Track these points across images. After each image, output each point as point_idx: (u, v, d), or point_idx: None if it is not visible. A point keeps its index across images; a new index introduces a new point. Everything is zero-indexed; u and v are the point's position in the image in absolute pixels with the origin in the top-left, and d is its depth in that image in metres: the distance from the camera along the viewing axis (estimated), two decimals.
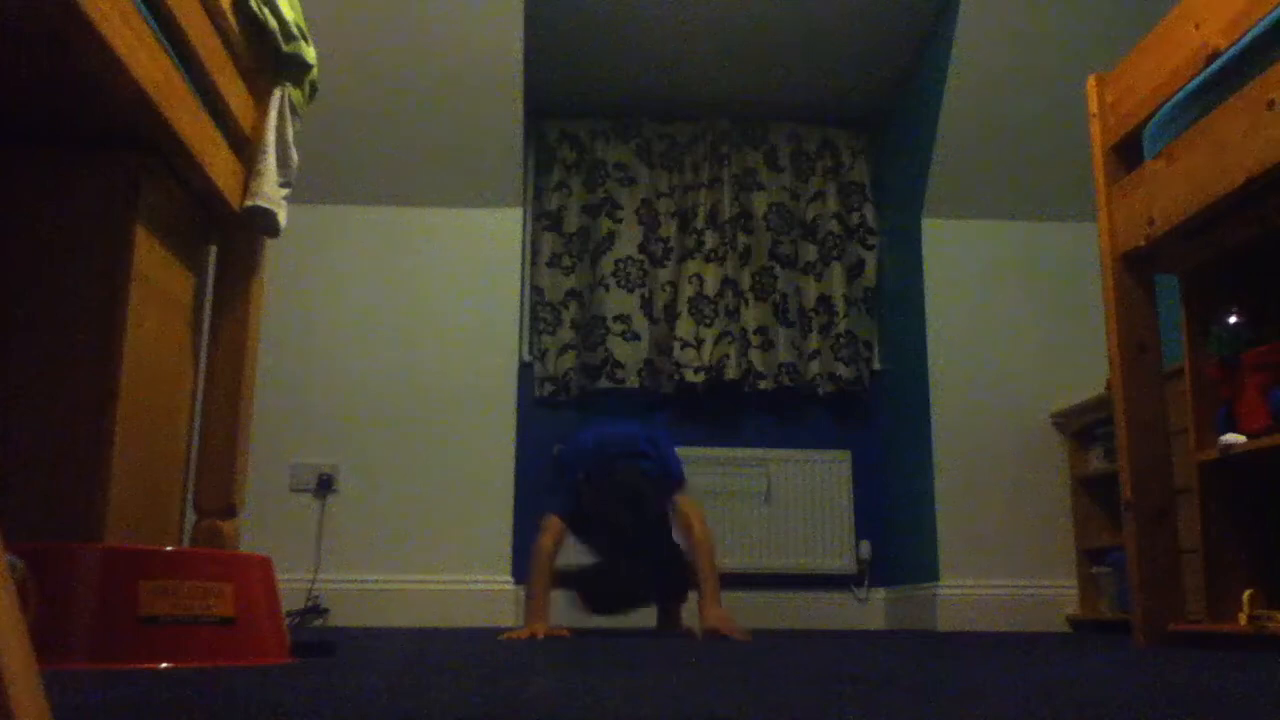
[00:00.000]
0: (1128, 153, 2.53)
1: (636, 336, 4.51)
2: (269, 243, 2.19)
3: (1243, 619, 2.18)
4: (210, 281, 2.13)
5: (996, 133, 4.00)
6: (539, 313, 4.56)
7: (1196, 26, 2.23)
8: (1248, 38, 2.02)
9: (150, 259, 1.81)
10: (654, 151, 4.74)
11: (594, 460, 2.98)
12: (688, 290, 4.56)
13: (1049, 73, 3.82)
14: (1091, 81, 2.65)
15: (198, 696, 0.92)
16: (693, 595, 3.05)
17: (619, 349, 4.47)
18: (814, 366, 4.55)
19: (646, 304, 4.56)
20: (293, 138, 2.14)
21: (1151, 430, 2.43)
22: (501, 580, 3.93)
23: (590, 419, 3.62)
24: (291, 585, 3.74)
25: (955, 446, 4.00)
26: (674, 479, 3.00)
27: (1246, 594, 2.19)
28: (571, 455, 3.08)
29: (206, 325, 2.10)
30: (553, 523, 2.83)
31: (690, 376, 4.44)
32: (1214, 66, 2.13)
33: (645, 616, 3.37)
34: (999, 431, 4.02)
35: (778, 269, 4.65)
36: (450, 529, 3.96)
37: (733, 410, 4.56)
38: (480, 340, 4.15)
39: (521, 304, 4.40)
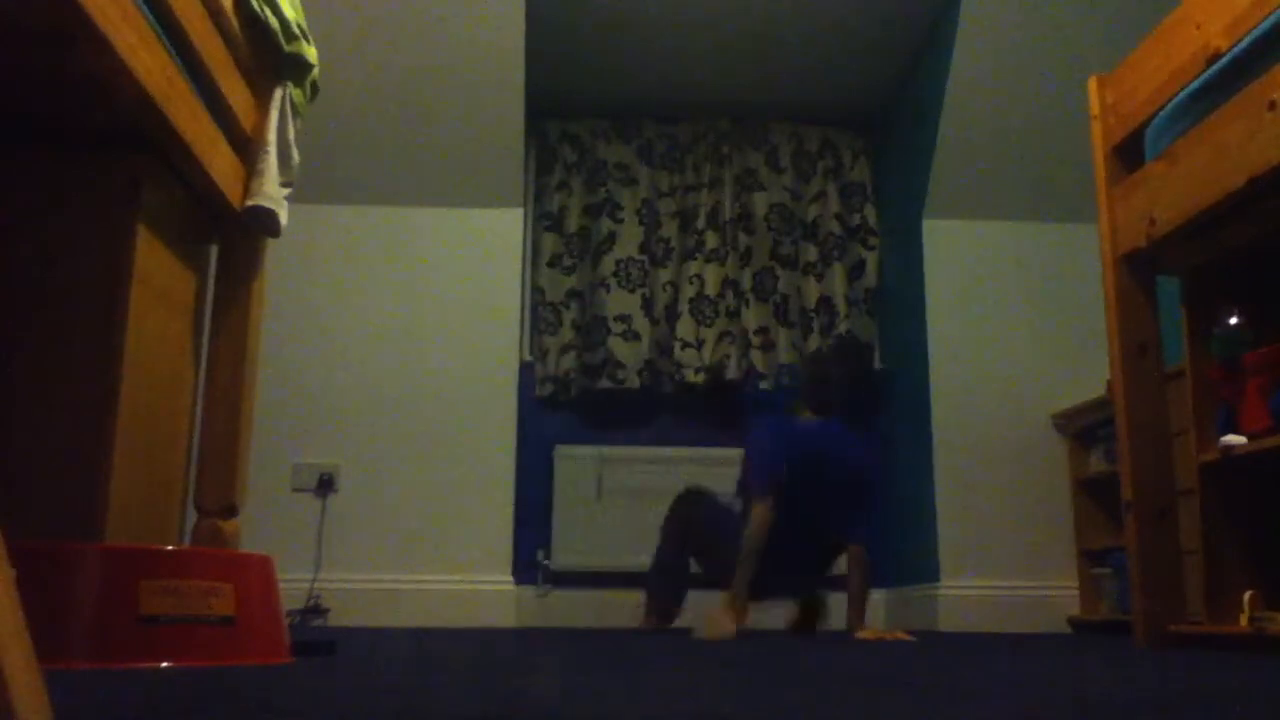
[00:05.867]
0: (1129, 154, 2.53)
1: (637, 337, 4.51)
2: (270, 243, 2.19)
3: (1243, 620, 2.17)
4: (211, 281, 2.13)
5: (997, 133, 4.00)
6: (539, 313, 4.56)
7: (1198, 27, 2.23)
8: (1249, 39, 2.02)
9: (151, 259, 1.81)
10: (655, 151, 4.74)
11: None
12: (688, 290, 4.56)
13: (1050, 74, 3.81)
14: (1093, 82, 2.65)
15: (198, 696, 0.92)
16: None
17: (619, 349, 4.47)
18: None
19: (647, 304, 4.56)
20: (294, 137, 2.14)
21: (1152, 431, 2.43)
22: (501, 580, 3.93)
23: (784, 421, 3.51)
24: (292, 585, 3.74)
25: (955, 446, 4.00)
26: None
27: (1247, 595, 2.19)
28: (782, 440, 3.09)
29: (207, 325, 2.10)
30: (767, 513, 2.83)
31: (691, 377, 4.44)
32: (1215, 67, 2.13)
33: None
34: (999, 432, 4.02)
35: (778, 269, 4.65)
36: (450, 529, 3.96)
37: (733, 410, 4.56)
38: (480, 340, 4.15)
39: (522, 304, 4.40)
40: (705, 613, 2.76)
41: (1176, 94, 2.27)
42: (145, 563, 1.34)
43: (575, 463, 4.35)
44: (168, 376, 1.92)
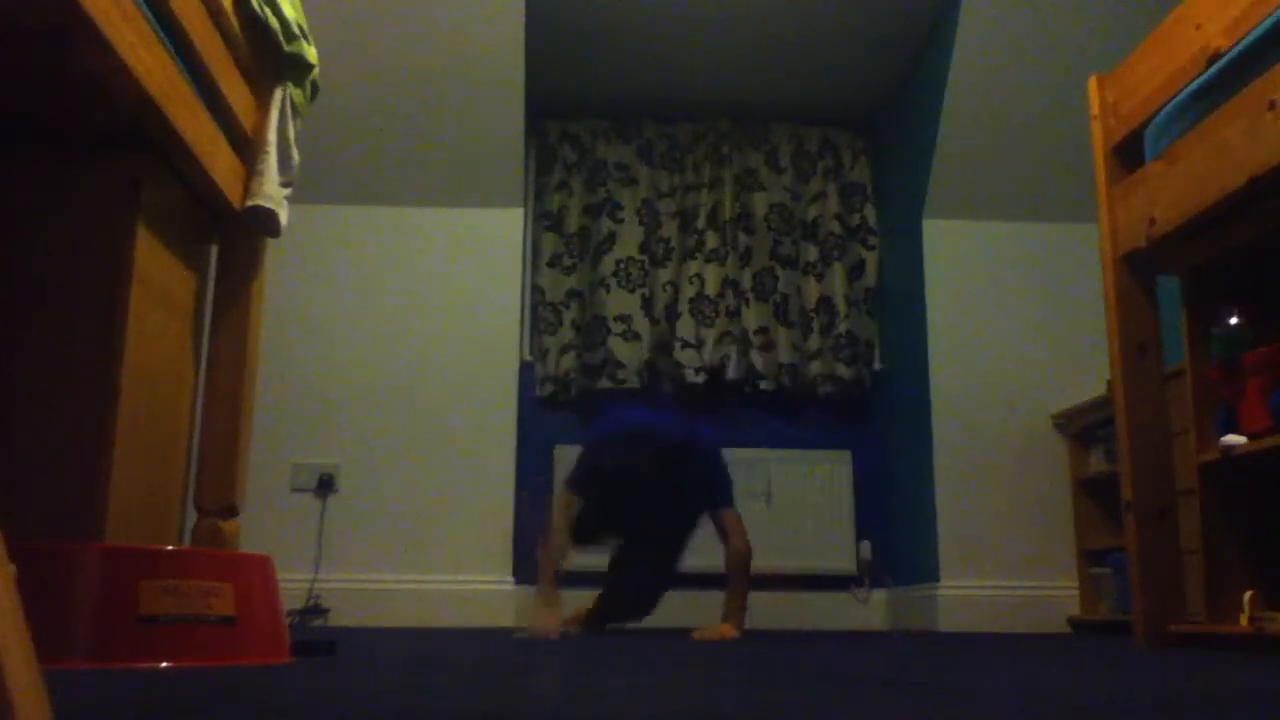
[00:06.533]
0: (1129, 153, 2.53)
1: (637, 336, 4.51)
2: (270, 242, 2.19)
3: (1243, 620, 2.17)
4: (211, 281, 2.13)
5: (997, 133, 4.00)
6: (540, 313, 4.56)
7: (1198, 28, 2.23)
8: (1249, 39, 2.02)
9: (151, 259, 1.81)
10: (655, 151, 4.74)
11: (624, 439, 2.92)
12: (688, 290, 4.56)
13: (1050, 73, 3.81)
14: (1093, 82, 2.65)
15: (198, 696, 0.92)
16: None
17: (619, 349, 4.47)
18: (815, 367, 4.55)
19: (647, 304, 4.56)
20: (294, 138, 2.14)
21: (1152, 431, 2.43)
22: (501, 580, 3.93)
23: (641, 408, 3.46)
24: (292, 585, 3.74)
25: (955, 446, 4.00)
26: (719, 495, 2.94)
27: (1247, 595, 2.19)
28: (604, 438, 2.99)
29: (207, 325, 2.10)
30: (568, 500, 2.78)
31: (691, 377, 4.44)
32: (1215, 68, 2.13)
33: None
34: (999, 432, 4.02)
35: (778, 269, 4.65)
36: (450, 529, 3.96)
37: (733, 410, 4.56)
38: (480, 340, 4.15)
39: (522, 304, 4.40)
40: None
41: (1176, 94, 2.27)
42: (145, 563, 1.33)
43: None
44: (168, 376, 1.92)
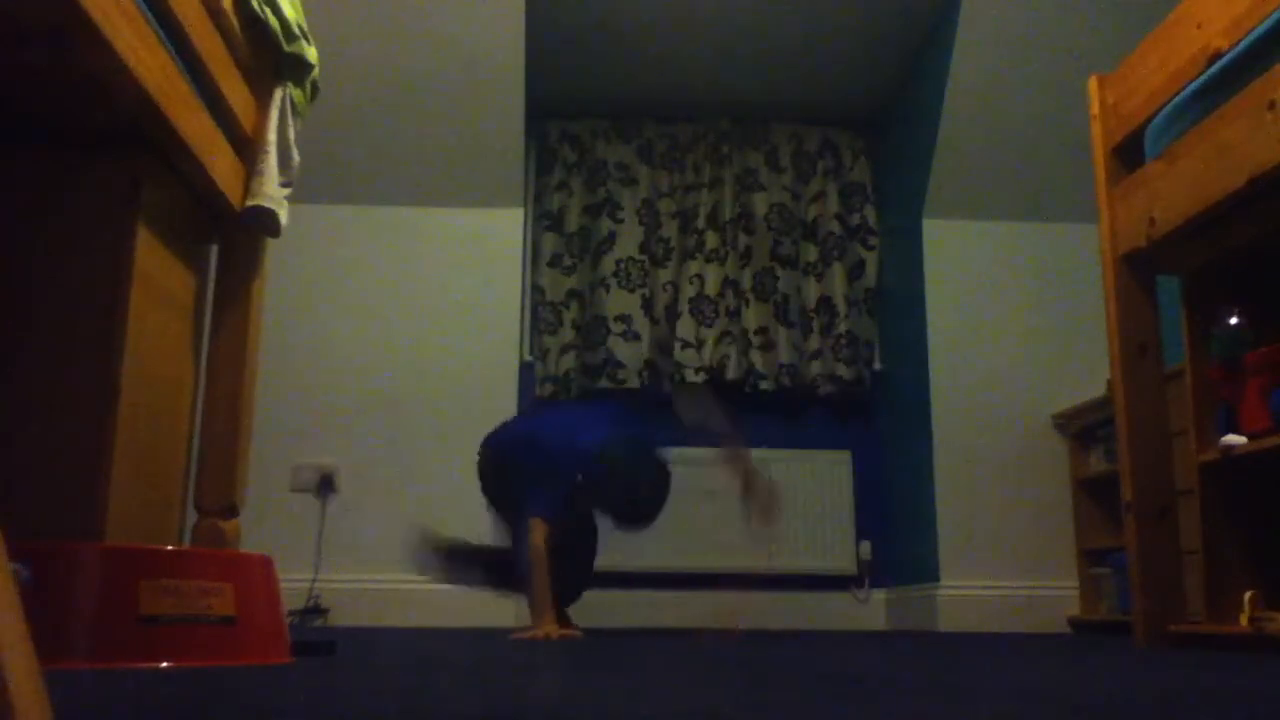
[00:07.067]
0: (1129, 153, 2.53)
1: (637, 337, 4.51)
2: (270, 242, 2.19)
3: (1243, 620, 2.17)
4: (211, 281, 2.13)
5: (997, 133, 4.00)
6: (540, 313, 4.56)
7: (1198, 27, 2.23)
8: (1249, 39, 2.02)
9: (151, 258, 1.81)
10: (655, 151, 4.74)
11: (597, 458, 2.92)
12: (688, 290, 4.56)
13: (1050, 73, 3.82)
14: (1093, 82, 2.65)
15: (198, 696, 0.92)
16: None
17: (620, 349, 4.47)
18: (814, 367, 4.55)
19: (647, 304, 4.56)
20: (294, 138, 2.14)
21: (1152, 431, 2.43)
22: None
23: (534, 409, 3.59)
24: (292, 585, 3.74)
25: (955, 446, 4.00)
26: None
27: (1247, 595, 2.19)
28: (565, 457, 2.96)
29: (207, 325, 2.10)
30: (541, 525, 2.81)
31: (691, 377, 4.44)
32: (1215, 67, 2.13)
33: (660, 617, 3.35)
34: (999, 432, 4.01)
35: (778, 269, 4.65)
36: (450, 529, 3.95)
37: (733, 411, 4.55)
38: (481, 340, 4.15)
39: (522, 304, 4.40)
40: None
41: (1176, 94, 2.27)
42: (145, 563, 1.33)
43: None
44: (168, 376, 1.92)
